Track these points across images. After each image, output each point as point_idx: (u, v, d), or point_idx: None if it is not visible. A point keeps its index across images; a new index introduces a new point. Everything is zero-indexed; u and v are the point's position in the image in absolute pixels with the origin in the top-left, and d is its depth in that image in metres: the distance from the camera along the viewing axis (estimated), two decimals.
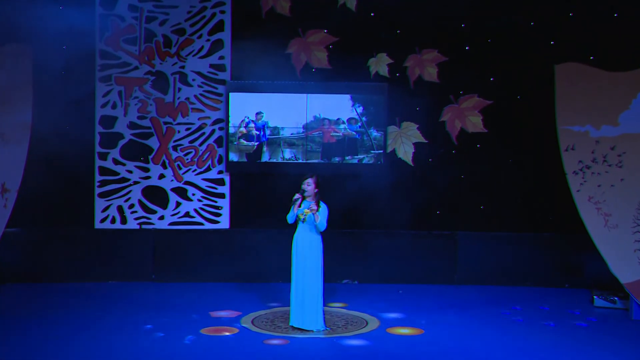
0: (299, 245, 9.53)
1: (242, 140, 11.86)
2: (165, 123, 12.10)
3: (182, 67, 12.06)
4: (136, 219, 12.16)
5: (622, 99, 10.92)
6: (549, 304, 11.04)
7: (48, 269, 11.91)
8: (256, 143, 11.96)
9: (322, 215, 9.47)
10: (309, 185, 9.46)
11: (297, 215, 9.49)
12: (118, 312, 10.26)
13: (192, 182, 12.20)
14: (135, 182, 12.13)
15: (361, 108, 11.97)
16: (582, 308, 10.85)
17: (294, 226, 9.63)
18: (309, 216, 9.42)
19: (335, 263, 11.09)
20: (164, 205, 12.19)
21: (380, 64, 12.13)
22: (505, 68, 11.99)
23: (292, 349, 8.76)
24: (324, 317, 9.63)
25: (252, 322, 9.84)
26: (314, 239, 9.53)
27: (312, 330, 9.42)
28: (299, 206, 9.46)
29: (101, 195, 12.11)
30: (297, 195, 9.46)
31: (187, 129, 12.13)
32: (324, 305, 9.74)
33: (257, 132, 11.91)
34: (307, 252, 9.49)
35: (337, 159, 11.99)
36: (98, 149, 12.06)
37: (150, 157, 12.11)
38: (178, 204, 12.19)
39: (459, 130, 12.18)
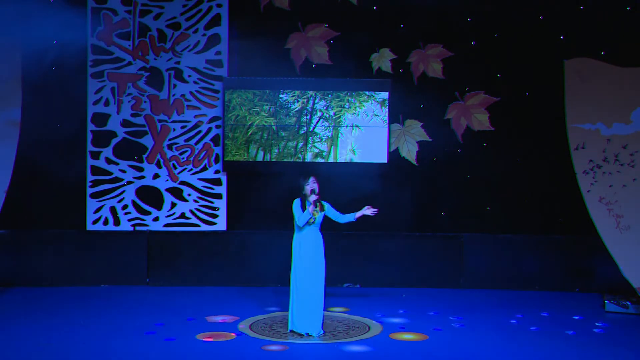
0: (304, 247, 9.38)
1: None
2: (159, 121, 12.01)
3: (178, 62, 11.97)
4: (130, 220, 12.01)
5: (634, 96, 11.00)
6: (558, 308, 10.93)
7: (38, 272, 11.84)
8: None
9: (335, 212, 9.52)
10: (315, 184, 9.34)
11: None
12: (111, 316, 10.16)
13: (188, 182, 12.09)
14: (129, 182, 11.98)
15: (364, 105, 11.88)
16: (593, 313, 10.70)
17: (293, 227, 9.51)
18: (318, 217, 9.33)
19: (336, 266, 11.04)
20: (159, 206, 12.07)
21: (382, 60, 12.03)
22: (512, 64, 11.96)
23: (292, 356, 8.63)
24: (323, 322, 9.54)
25: (250, 327, 9.72)
26: (319, 241, 9.42)
27: (312, 335, 9.29)
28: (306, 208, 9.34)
29: (93, 195, 11.97)
30: (314, 197, 9.30)
31: (182, 127, 12.03)
32: (325, 309, 9.68)
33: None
34: (312, 254, 9.35)
35: (340, 158, 11.87)
36: (90, 147, 11.96)
37: (144, 156, 12.00)
38: (173, 205, 12.08)
39: (465, 128, 12.08)
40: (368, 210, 9.45)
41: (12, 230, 11.75)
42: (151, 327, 9.60)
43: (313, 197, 9.26)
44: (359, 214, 9.48)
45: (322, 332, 9.37)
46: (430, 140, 12.04)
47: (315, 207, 9.29)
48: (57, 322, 9.76)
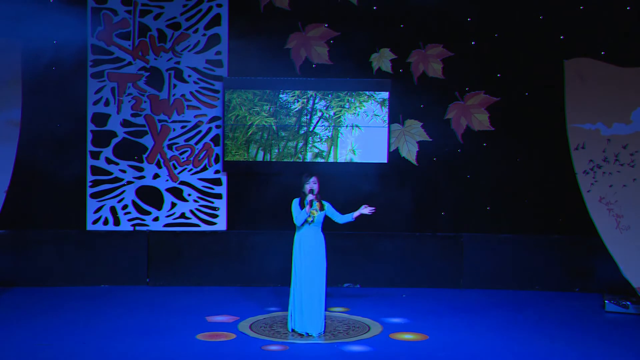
0: (304, 246, 9.36)
1: None
2: (160, 121, 11.96)
3: (178, 62, 11.92)
4: (130, 220, 11.97)
5: (634, 96, 10.93)
6: (559, 308, 10.91)
7: (38, 272, 11.78)
8: None
9: (335, 212, 9.53)
10: (315, 184, 9.32)
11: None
12: (111, 316, 10.13)
13: (188, 182, 12.04)
14: (129, 182, 11.94)
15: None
16: (593, 313, 10.68)
17: (293, 227, 9.50)
18: (317, 217, 9.30)
19: (336, 266, 10.99)
20: (159, 206, 12.02)
21: (383, 60, 11.98)
22: (512, 64, 11.89)
23: (292, 356, 8.62)
24: (325, 322, 9.52)
25: (250, 327, 9.70)
26: (320, 241, 9.41)
27: (312, 335, 9.28)
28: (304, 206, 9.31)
29: (93, 195, 11.92)
30: (311, 196, 9.28)
31: (182, 127, 11.98)
32: (326, 309, 9.65)
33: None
34: (313, 253, 9.33)
35: (340, 158, 11.83)
36: (90, 147, 11.91)
37: (144, 156, 11.96)
38: (173, 205, 12.04)
39: (465, 128, 12.03)
40: (365, 209, 9.45)
41: (12, 230, 11.69)
42: (150, 327, 9.56)
43: (310, 197, 9.25)
44: (356, 213, 9.48)
45: (322, 332, 9.34)
46: (430, 140, 11.99)
47: (313, 207, 9.27)
48: (57, 322, 9.73)
